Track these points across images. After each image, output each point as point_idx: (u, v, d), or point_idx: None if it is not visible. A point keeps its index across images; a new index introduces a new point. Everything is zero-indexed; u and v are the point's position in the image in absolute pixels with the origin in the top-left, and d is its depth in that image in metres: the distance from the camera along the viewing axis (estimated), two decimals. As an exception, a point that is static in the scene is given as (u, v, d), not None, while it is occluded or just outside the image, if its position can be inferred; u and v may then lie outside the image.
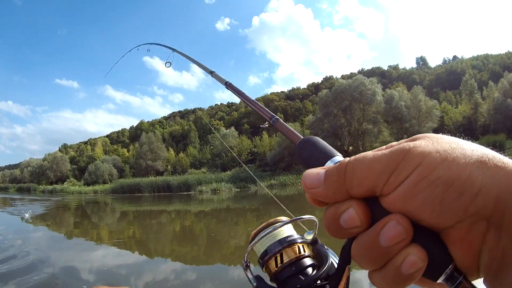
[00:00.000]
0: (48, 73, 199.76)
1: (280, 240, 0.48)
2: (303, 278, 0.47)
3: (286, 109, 67.58)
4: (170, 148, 56.79)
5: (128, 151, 65.21)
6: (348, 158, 0.35)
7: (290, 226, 0.49)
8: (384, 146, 0.35)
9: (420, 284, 0.35)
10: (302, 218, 0.48)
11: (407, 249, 0.31)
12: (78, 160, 64.51)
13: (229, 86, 0.88)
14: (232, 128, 51.47)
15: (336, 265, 0.41)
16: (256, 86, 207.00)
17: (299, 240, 0.47)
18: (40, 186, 57.14)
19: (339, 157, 0.39)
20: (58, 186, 53.12)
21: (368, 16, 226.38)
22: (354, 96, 34.53)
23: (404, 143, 0.33)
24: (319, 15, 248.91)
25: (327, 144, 0.41)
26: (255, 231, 0.50)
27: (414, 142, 0.33)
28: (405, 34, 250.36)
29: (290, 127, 0.53)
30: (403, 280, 0.31)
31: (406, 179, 0.31)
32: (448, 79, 65.97)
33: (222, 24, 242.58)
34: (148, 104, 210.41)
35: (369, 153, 0.34)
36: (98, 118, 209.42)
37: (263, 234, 0.49)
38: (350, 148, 36.45)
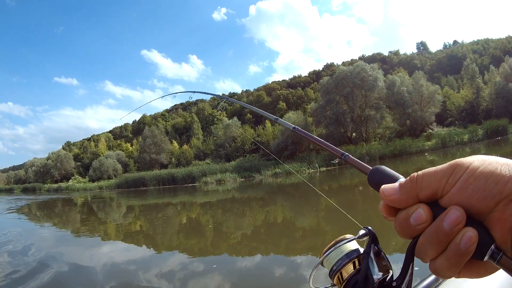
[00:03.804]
0: (46, 72, 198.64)
1: (347, 253, 0.55)
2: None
3: (288, 97, 66.96)
4: (173, 140, 56.37)
5: (131, 145, 65.12)
6: (417, 172, 0.47)
7: (355, 241, 0.55)
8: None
9: (467, 274, 0.45)
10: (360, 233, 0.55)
11: (464, 229, 0.41)
12: (82, 157, 64.41)
13: (296, 130, 0.99)
14: (235, 118, 51.28)
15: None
16: (256, 75, 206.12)
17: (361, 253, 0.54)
18: (45, 185, 57.09)
19: (403, 178, 0.49)
20: (63, 184, 53.23)
21: (367, 1, 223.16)
22: (355, 82, 34.22)
23: (457, 159, 0.45)
24: (316, 1, 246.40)
25: (392, 170, 0.52)
26: (326, 248, 0.56)
27: (463, 158, 0.45)
28: (405, 18, 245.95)
29: (359, 161, 0.63)
30: (461, 255, 0.41)
31: (459, 179, 0.42)
32: (449, 64, 64.84)
33: (219, 14, 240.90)
34: (149, 97, 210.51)
35: (433, 167, 0.46)
36: (99, 114, 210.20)
37: (331, 250, 0.56)
38: (354, 134, 36.32)
